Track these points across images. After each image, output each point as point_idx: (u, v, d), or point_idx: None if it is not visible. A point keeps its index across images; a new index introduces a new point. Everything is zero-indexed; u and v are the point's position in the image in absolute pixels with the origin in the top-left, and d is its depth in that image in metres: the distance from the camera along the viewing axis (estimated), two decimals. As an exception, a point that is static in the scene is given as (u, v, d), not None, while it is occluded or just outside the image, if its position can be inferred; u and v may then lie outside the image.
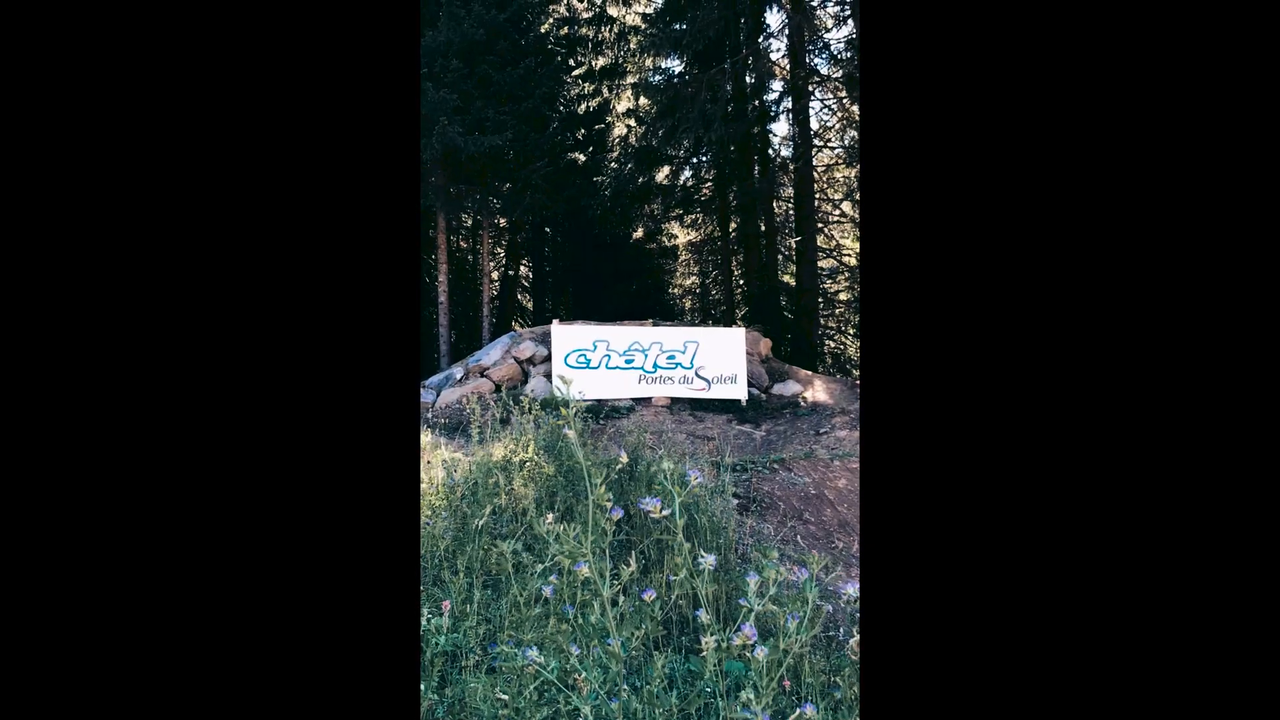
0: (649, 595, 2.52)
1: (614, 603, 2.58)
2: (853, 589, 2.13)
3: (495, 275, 21.30)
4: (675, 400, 10.23)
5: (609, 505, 2.43)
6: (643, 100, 18.01)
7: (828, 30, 15.34)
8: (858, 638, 2.27)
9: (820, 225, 16.85)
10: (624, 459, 2.51)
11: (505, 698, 2.42)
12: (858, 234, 16.66)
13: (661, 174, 17.49)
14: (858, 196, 16.31)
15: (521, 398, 7.23)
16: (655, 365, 10.20)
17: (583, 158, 17.91)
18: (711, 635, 2.15)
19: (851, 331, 16.76)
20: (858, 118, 14.40)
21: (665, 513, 2.29)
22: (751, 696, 1.94)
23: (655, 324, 11.22)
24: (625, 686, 2.38)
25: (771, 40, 15.70)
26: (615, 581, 2.48)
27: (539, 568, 2.80)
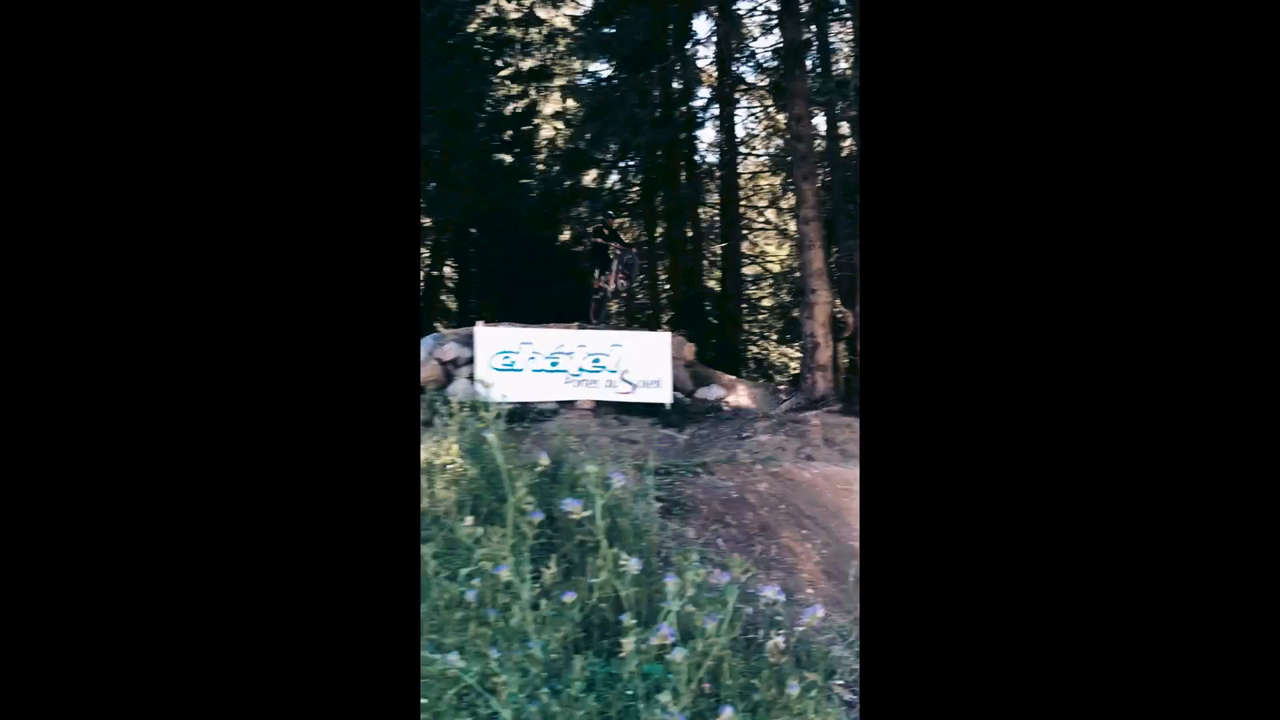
0: (569, 598, 2.52)
1: (535, 606, 2.57)
2: (771, 591, 2.17)
3: (419, 275, 21.01)
4: (600, 404, 10.22)
5: (530, 508, 2.42)
6: (570, 103, 17.96)
7: (754, 39, 15.53)
8: (776, 640, 2.31)
9: (745, 232, 17.03)
10: (544, 462, 2.50)
11: (425, 702, 2.40)
12: (781, 241, 16.89)
13: (589, 177, 17.45)
14: (782, 204, 16.53)
15: (445, 400, 7.15)
16: (580, 368, 10.18)
17: (509, 159, 17.78)
18: (631, 637, 2.16)
19: (774, 338, 16.96)
20: (783, 125, 14.60)
21: (586, 514, 2.30)
22: (669, 699, 1.96)
23: (581, 327, 11.19)
24: (545, 690, 2.38)
25: (699, 47, 15.83)
26: (536, 584, 2.47)
27: (463, 572, 2.78)
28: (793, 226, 12.12)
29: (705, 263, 17.19)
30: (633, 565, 2.36)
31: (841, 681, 3.97)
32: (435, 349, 10.97)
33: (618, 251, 12.59)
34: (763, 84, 15.46)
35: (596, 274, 12.90)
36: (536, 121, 18.86)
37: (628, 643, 2.16)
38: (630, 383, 10.32)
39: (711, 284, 17.17)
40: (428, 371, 10.58)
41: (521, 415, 9.34)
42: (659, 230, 17.90)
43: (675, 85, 15.95)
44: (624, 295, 13.66)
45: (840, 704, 3.46)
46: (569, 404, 10.09)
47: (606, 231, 13.15)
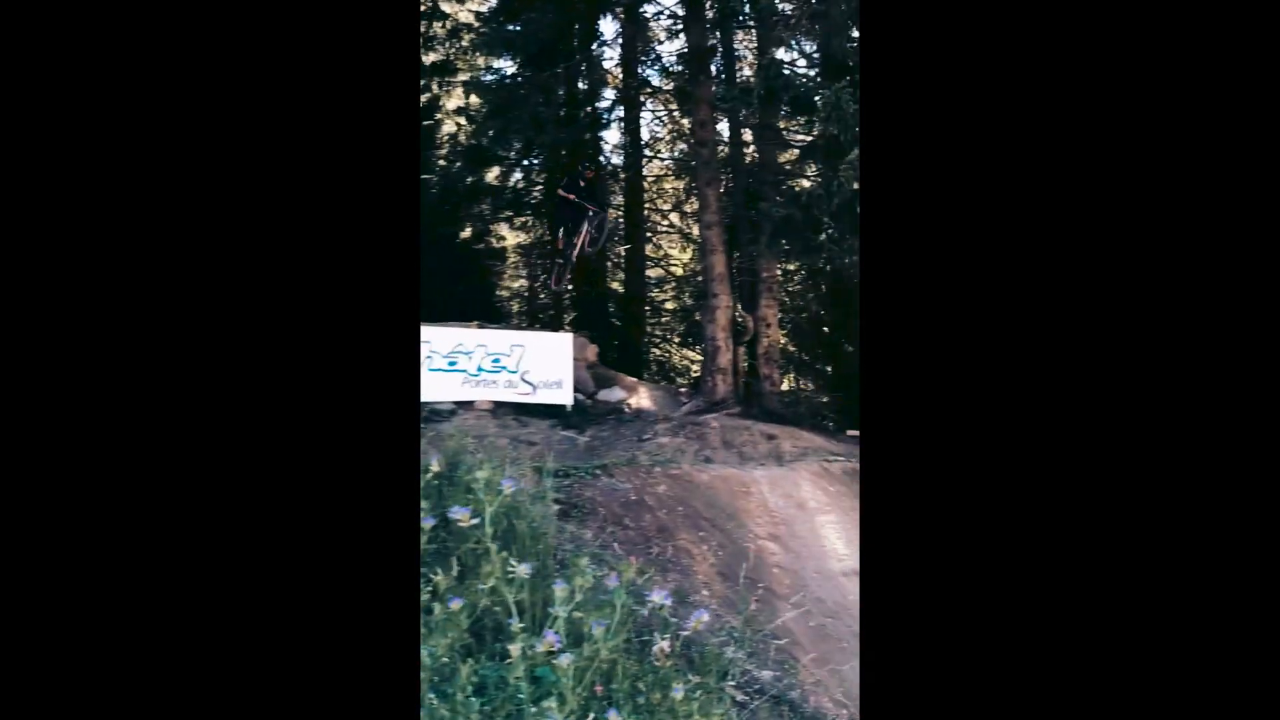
0: (456, 604, 2.48)
1: (428, 611, 2.54)
2: (659, 596, 2.18)
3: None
4: (499, 404, 10.13)
5: (422, 514, 2.38)
6: (474, 99, 17.75)
7: (660, 43, 15.62)
8: (662, 643, 2.32)
9: (649, 235, 17.10)
10: (435, 467, 2.46)
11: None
12: (684, 245, 17.03)
13: (491, 174, 17.29)
14: (686, 208, 16.66)
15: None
16: (480, 368, 10.07)
17: (411, 154, 17.46)
18: (518, 643, 2.14)
19: (676, 340, 17.09)
20: (687, 130, 14.70)
21: (474, 521, 2.27)
22: (554, 704, 1.95)
23: (481, 326, 11.08)
24: (433, 694, 2.34)
25: (605, 48, 15.83)
26: (428, 589, 2.43)
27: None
28: (696, 231, 12.26)
29: (609, 264, 17.21)
30: (522, 570, 2.34)
31: (734, 683, 4.02)
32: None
33: (590, 211, 11.16)
34: (667, 88, 15.55)
35: (561, 232, 11.48)
36: (439, 116, 18.60)
37: (514, 648, 2.14)
38: (531, 383, 10.26)
39: (615, 285, 17.20)
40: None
41: (418, 415, 9.17)
42: (562, 230, 17.85)
43: (580, 85, 15.92)
44: (590, 260, 12.17)
45: (731, 705, 3.50)
46: (467, 404, 9.97)
47: (583, 184, 11.49)
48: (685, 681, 2.34)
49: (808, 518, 7.56)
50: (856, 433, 10.61)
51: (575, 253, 11.39)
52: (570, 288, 12.05)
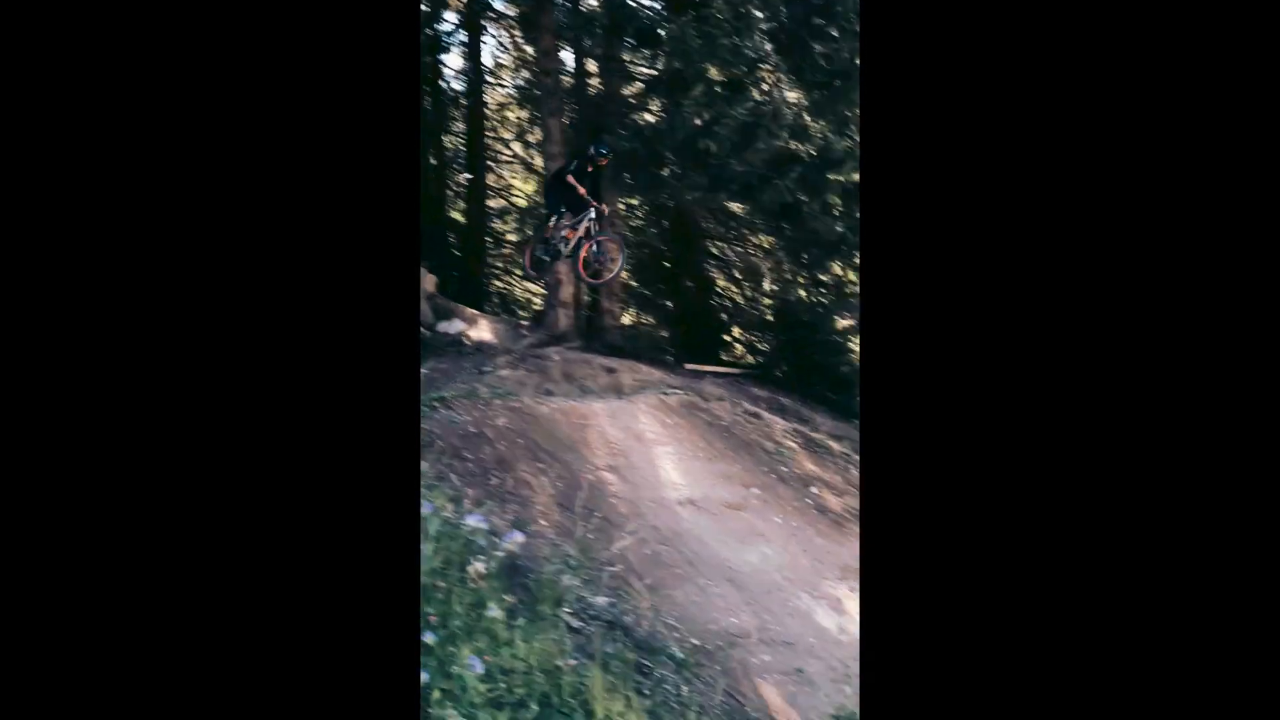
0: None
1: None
2: (473, 520, 2.21)
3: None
4: (333, 336, 9.79)
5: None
6: (306, 15, 16.80)
7: (504, -34, 15.18)
8: (477, 565, 2.35)
9: (491, 164, 16.76)
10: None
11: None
12: (527, 176, 16.79)
13: (326, 97, 16.51)
14: (529, 138, 16.40)
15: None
16: (312, 299, 9.67)
17: (237, 71, 16.43)
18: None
19: (517, 273, 16.94)
20: (532, 57, 14.41)
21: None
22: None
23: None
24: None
25: (447, -32, 15.25)
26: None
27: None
28: (539, 161, 12.10)
29: (449, 193, 16.80)
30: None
31: (568, 610, 4.10)
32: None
33: (593, 209, 8.98)
34: (511, 14, 15.16)
35: (553, 220, 9.52)
36: (268, 32, 17.52)
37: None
38: (367, 315, 9.94)
39: (455, 216, 16.82)
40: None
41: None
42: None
43: (422, 7, 15.31)
44: (581, 267, 9.36)
45: (565, 631, 3.57)
46: (300, 336, 9.59)
47: (591, 169, 9.03)
48: (501, 603, 2.38)
49: (645, 449, 7.72)
50: (695, 366, 10.87)
51: (568, 250, 9.29)
52: (549, 286, 10.83)
